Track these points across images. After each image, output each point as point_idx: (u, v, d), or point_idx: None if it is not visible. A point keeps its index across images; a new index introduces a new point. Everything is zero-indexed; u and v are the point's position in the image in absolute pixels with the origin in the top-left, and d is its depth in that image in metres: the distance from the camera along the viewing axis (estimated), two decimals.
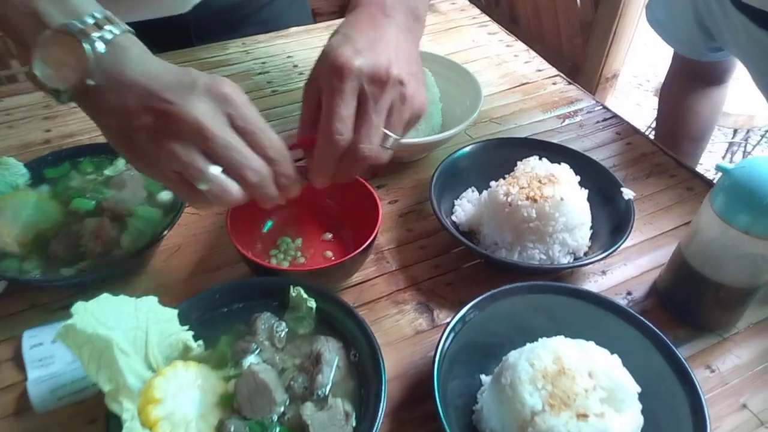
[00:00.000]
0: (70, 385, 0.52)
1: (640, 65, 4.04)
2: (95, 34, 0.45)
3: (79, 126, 0.80)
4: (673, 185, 0.76)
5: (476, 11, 1.17)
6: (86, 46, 0.45)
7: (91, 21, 0.46)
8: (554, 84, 0.96)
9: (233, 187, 0.47)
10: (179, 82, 0.46)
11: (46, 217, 0.59)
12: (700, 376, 0.55)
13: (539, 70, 0.99)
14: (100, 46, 0.45)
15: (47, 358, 0.54)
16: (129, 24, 0.81)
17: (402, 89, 0.52)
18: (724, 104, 1.16)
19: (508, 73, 0.98)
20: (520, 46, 1.06)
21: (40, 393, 0.51)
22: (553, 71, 0.99)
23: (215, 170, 0.46)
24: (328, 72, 0.50)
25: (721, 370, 0.56)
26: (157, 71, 0.47)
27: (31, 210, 0.59)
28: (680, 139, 1.15)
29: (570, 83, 0.96)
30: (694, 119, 1.13)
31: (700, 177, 0.77)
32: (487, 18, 1.15)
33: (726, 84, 1.13)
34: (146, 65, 0.47)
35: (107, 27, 0.46)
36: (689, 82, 1.12)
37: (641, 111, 3.53)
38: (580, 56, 1.84)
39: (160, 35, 0.93)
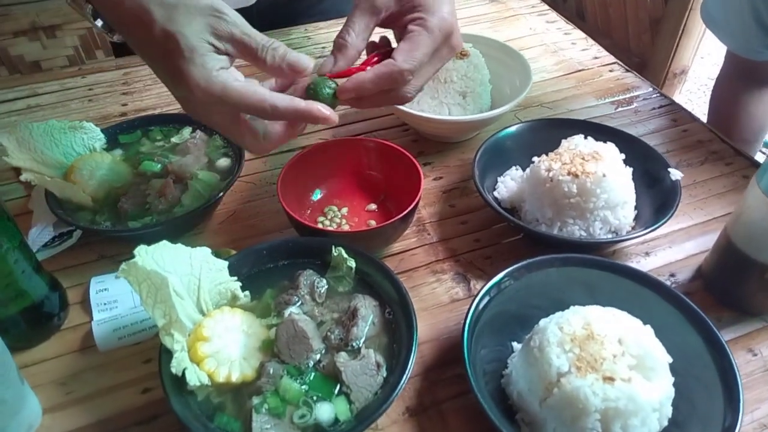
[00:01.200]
0: (130, 327, 0.57)
1: (716, 66, 3.82)
2: None
3: (153, 101, 0.87)
4: (729, 173, 0.74)
5: (535, 0, 1.17)
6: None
7: None
8: (611, 71, 0.94)
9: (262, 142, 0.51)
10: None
11: (118, 177, 0.65)
12: (741, 359, 0.53)
13: (596, 58, 0.98)
14: None
15: (111, 302, 0.59)
16: None
17: (454, 49, 0.56)
18: None
19: (563, 60, 0.98)
20: (579, 34, 1.05)
21: (103, 332, 0.57)
22: (611, 59, 0.98)
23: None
24: (440, 23, 0.53)
25: (764, 354, 0.54)
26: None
27: (105, 170, 0.65)
28: (732, 140, 1.11)
29: (628, 71, 0.95)
30: (747, 120, 1.08)
31: (758, 165, 0.74)
32: (546, 7, 1.14)
33: None
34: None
35: None
36: (743, 83, 1.07)
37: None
38: (647, 52, 1.78)
39: None
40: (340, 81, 0.53)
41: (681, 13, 1.56)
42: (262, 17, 1.02)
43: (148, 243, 0.48)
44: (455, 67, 0.75)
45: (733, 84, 1.10)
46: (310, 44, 1.02)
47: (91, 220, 0.62)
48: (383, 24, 0.56)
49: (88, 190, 0.62)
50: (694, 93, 3.59)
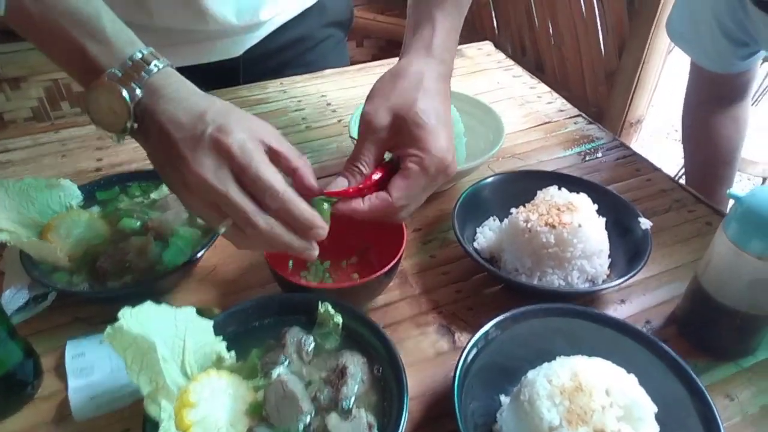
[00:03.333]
0: (108, 394, 0.55)
1: (667, 114, 4.05)
2: (135, 82, 0.50)
3: (128, 156, 0.86)
4: (692, 219, 0.77)
5: (501, 56, 1.23)
6: (125, 94, 0.50)
7: (130, 64, 0.51)
8: (576, 123, 0.99)
9: (243, 239, 0.52)
10: (192, 132, 0.49)
11: (96, 235, 0.64)
12: (719, 404, 0.55)
13: (561, 110, 1.03)
14: (138, 91, 0.50)
15: (87, 368, 0.57)
16: (186, 68, 0.89)
17: (447, 172, 0.59)
18: (748, 123, 1.13)
19: (530, 113, 1.02)
20: (543, 87, 1.11)
21: (79, 400, 0.54)
22: (575, 111, 1.03)
23: (227, 222, 0.51)
24: (437, 163, 0.56)
25: (741, 399, 0.56)
26: (177, 115, 0.50)
27: (82, 228, 0.64)
28: (713, 164, 1.14)
29: (591, 122, 0.99)
30: (721, 142, 1.11)
31: (719, 212, 0.78)
32: (511, 62, 1.20)
33: (747, 100, 1.11)
34: (174, 104, 0.51)
35: (147, 66, 0.51)
36: (712, 104, 1.10)
37: (669, 159, 3.53)
38: (604, 103, 1.88)
39: (212, 76, 1.00)
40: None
41: (634, 67, 1.66)
42: (247, 69, 1.05)
43: (127, 303, 0.47)
44: None
45: (703, 107, 1.12)
46: (286, 98, 1.04)
47: (68, 281, 0.60)
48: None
49: (65, 249, 0.61)
50: (651, 138, 3.77)
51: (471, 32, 2.61)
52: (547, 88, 1.10)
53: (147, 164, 0.84)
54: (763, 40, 0.91)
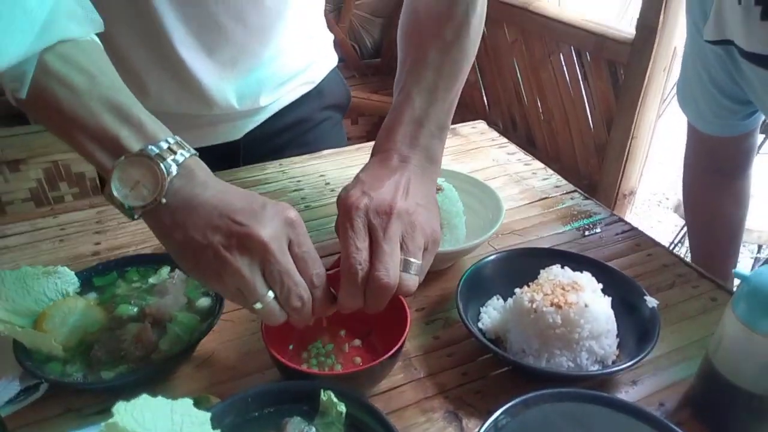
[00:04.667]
0: None
1: (659, 183, 4.14)
2: (170, 158, 0.52)
3: (126, 239, 0.86)
4: (697, 295, 0.77)
5: (495, 134, 1.26)
6: (163, 167, 0.51)
7: (165, 146, 0.53)
8: (572, 199, 1.00)
9: (280, 315, 0.54)
10: (249, 205, 0.52)
11: (92, 322, 0.63)
12: None
13: (557, 186, 1.04)
14: (173, 168, 0.52)
15: None
16: None
17: (411, 218, 0.58)
18: (749, 197, 1.11)
19: (527, 189, 1.03)
20: (538, 164, 1.13)
21: None
22: (570, 187, 1.04)
23: (270, 296, 0.52)
24: (342, 214, 0.59)
25: None
26: (225, 195, 0.53)
27: (78, 316, 0.62)
28: (715, 239, 1.13)
29: (587, 198, 1.01)
30: (725, 222, 1.10)
31: (723, 288, 0.78)
32: (505, 140, 1.23)
33: (748, 172, 1.08)
34: (214, 187, 0.54)
35: (179, 151, 0.53)
36: (711, 176, 1.08)
37: (663, 227, 3.57)
38: (596, 175, 1.92)
39: (212, 158, 1.02)
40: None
41: (623, 141, 1.71)
42: (247, 151, 1.07)
43: (122, 393, 0.45)
44: None
45: (702, 180, 1.10)
46: (285, 178, 1.05)
47: (62, 371, 0.58)
48: None
49: (59, 338, 0.59)
50: (644, 205, 3.81)
51: (462, 108, 2.70)
52: (542, 165, 1.13)
53: (145, 248, 0.84)
54: (757, 97, 0.88)
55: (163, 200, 0.52)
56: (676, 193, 2.75)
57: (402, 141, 0.65)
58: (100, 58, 0.56)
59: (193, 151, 0.55)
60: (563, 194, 1.02)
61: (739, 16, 0.76)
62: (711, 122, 1.02)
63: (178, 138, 0.55)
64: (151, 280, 0.69)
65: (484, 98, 2.56)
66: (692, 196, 1.17)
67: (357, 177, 0.63)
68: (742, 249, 1.62)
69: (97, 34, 0.63)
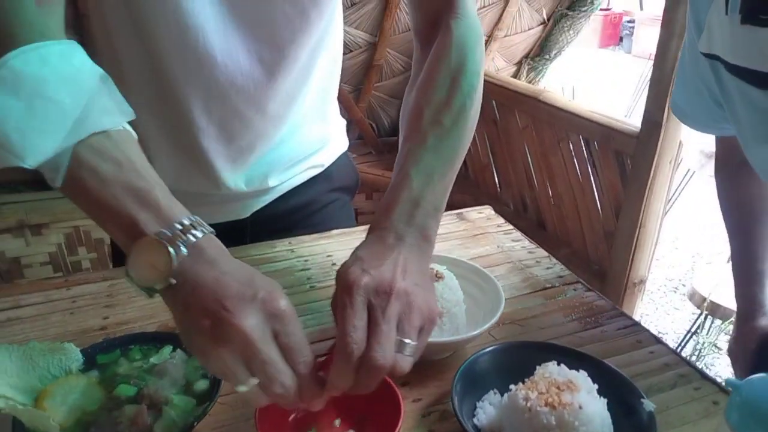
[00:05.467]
0: None
1: (674, 268, 4.10)
2: (181, 239, 0.55)
3: (134, 314, 0.88)
4: (699, 398, 0.75)
5: (501, 220, 1.28)
6: (171, 251, 0.54)
7: (179, 227, 0.55)
8: (575, 290, 1.01)
9: (264, 399, 0.55)
10: (240, 292, 0.54)
11: (91, 401, 0.64)
12: None
13: (560, 276, 1.05)
14: (183, 250, 0.54)
15: None
16: None
17: (409, 299, 0.59)
18: None
19: (530, 278, 1.04)
20: (542, 252, 1.14)
21: None
22: (574, 277, 1.05)
23: (252, 381, 0.54)
24: (341, 290, 0.60)
25: None
26: (225, 277, 0.55)
27: (78, 395, 0.64)
28: (760, 238, 1.06)
29: (590, 290, 1.01)
30: (754, 200, 1.06)
31: (725, 391, 0.77)
32: (511, 227, 1.25)
33: None
34: (219, 268, 0.55)
35: (193, 231, 0.56)
36: (736, 163, 1.05)
37: (680, 314, 3.50)
38: (605, 262, 1.92)
39: (219, 235, 1.05)
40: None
41: (632, 230, 1.72)
42: (254, 229, 1.10)
43: None
44: None
45: (729, 167, 1.07)
46: (294, 257, 1.08)
47: None
48: None
49: (58, 417, 0.60)
50: (660, 291, 3.76)
51: (473, 189, 2.76)
52: (545, 253, 1.14)
53: (151, 323, 0.86)
54: (736, 119, 0.84)
55: (172, 281, 0.54)
56: (690, 279, 2.73)
57: (399, 219, 0.67)
58: (129, 147, 0.60)
59: (209, 230, 0.58)
60: (566, 284, 1.03)
61: (726, 27, 0.74)
62: (710, 126, 1.01)
63: (195, 218, 0.58)
64: (152, 360, 0.70)
65: (496, 179, 2.61)
66: (719, 178, 1.13)
67: (355, 253, 0.64)
68: None
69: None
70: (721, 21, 0.74)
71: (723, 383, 0.65)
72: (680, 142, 1.59)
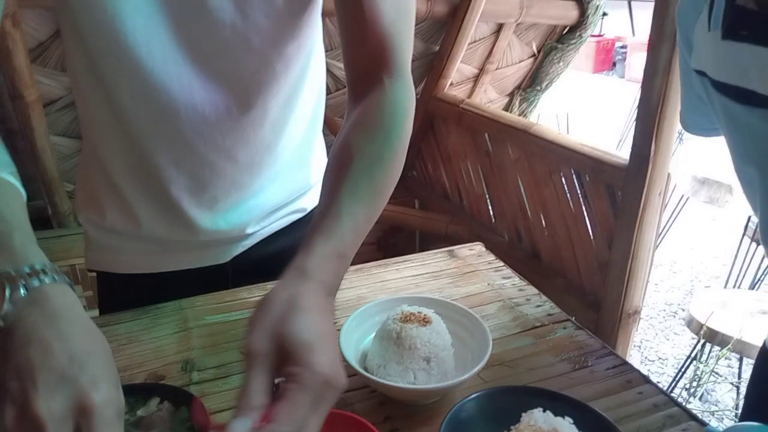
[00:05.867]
0: None
1: (673, 293, 4.09)
2: (23, 282, 0.51)
3: (123, 362, 0.88)
4: None
5: (492, 257, 1.29)
6: (7, 290, 0.50)
7: (27, 270, 0.51)
8: (564, 329, 1.01)
9: None
10: (59, 369, 0.47)
11: None
12: None
13: (550, 314, 1.06)
14: (22, 292, 0.50)
15: None
16: (171, 272, 0.95)
17: (335, 392, 0.54)
18: None
19: (519, 317, 1.05)
20: (532, 290, 1.15)
21: None
22: (563, 315, 1.06)
23: None
24: (319, 379, 0.52)
25: None
26: (54, 344, 0.49)
27: None
28: None
29: (579, 328, 1.02)
30: None
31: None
32: (501, 264, 1.26)
33: None
34: (56, 328, 0.50)
35: (41, 276, 0.52)
36: None
37: (680, 339, 3.48)
38: (600, 292, 1.92)
39: (200, 280, 1.06)
40: None
41: (624, 260, 1.73)
42: (235, 273, 1.10)
43: None
44: (418, 334, 0.81)
45: None
46: None
47: None
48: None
49: None
50: (660, 316, 3.74)
51: (469, 219, 2.77)
52: (536, 290, 1.15)
53: (139, 374, 0.86)
54: (724, 133, 0.83)
55: (1, 323, 0.50)
56: (689, 304, 2.72)
57: (319, 278, 0.63)
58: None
59: (63, 280, 0.54)
60: (556, 323, 1.03)
61: (709, 43, 0.74)
62: (714, 130, 0.98)
63: (52, 265, 0.54)
64: (139, 413, 0.70)
65: (491, 210, 2.63)
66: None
67: (314, 329, 0.56)
68: None
69: (96, 165, 0.70)
70: (705, 38, 0.75)
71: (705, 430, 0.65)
72: (669, 175, 1.61)
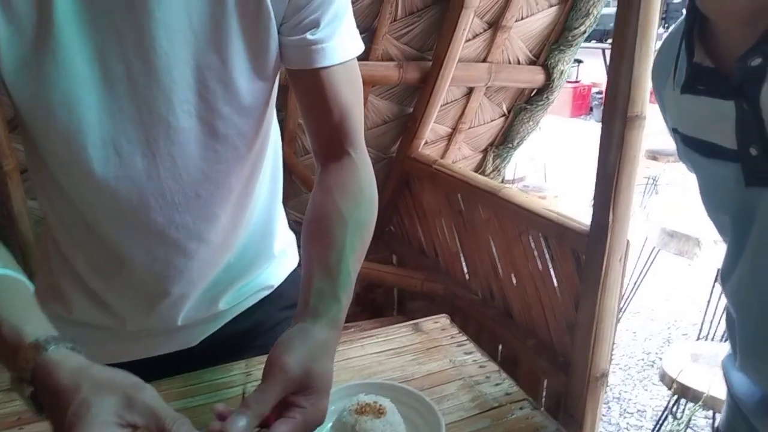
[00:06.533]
0: None
1: (650, 341, 4.12)
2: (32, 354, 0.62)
3: None
4: None
5: (455, 330, 1.33)
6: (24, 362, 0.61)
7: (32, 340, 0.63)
8: (521, 409, 1.04)
9: None
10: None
11: None
12: None
13: (508, 394, 1.09)
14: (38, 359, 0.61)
15: None
16: (141, 360, 1.00)
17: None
18: None
19: (478, 397, 1.08)
20: (493, 366, 1.18)
21: None
22: (522, 395, 1.09)
23: None
24: (316, 420, 0.71)
25: None
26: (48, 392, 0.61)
27: None
28: None
29: (535, 408, 1.05)
30: None
31: None
32: (465, 338, 1.30)
33: None
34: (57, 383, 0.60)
35: (48, 345, 0.62)
36: None
37: (658, 390, 3.50)
38: (570, 353, 1.96)
39: (171, 364, 1.07)
40: None
41: (589, 324, 1.78)
42: (205, 353, 1.12)
43: None
44: (372, 427, 0.83)
45: None
46: (251, 380, 1.09)
47: None
48: None
49: None
50: (637, 369, 3.77)
51: (444, 276, 2.81)
52: (496, 367, 1.18)
53: None
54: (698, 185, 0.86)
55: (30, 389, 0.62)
56: (662, 360, 2.76)
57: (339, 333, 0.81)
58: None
59: (69, 344, 0.65)
60: (513, 402, 1.06)
61: (676, 99, 0.78)
62: None
63: (53, 334, 0.65)
64: None
65: (465, 268, 2.68)
66: None
67: (329, 375, 0.76)
68: None
69: (59, 259, 0.79)
70: (673, 95, 0.79)
71: None
72: (627, 242, 1.68)
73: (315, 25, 0.84)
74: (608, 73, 1.57)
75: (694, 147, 0.77)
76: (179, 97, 0.82)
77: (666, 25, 7.54)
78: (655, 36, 1.46)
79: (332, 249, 0.82)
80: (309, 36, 0.84)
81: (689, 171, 0.86)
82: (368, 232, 0.87)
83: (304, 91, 0.91)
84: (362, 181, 0.90)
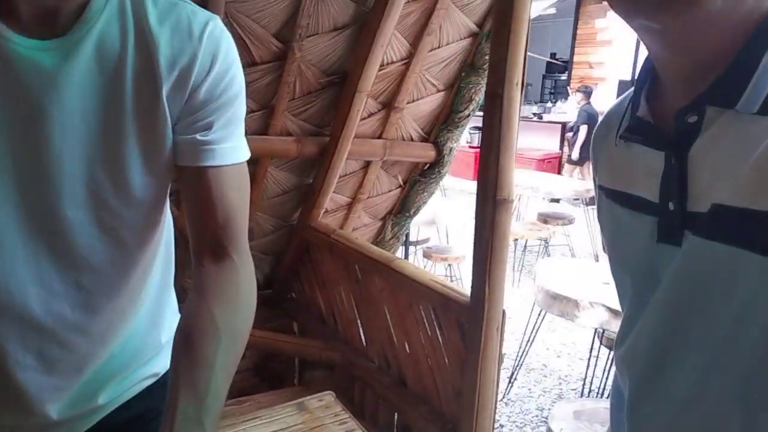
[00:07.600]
0: None
1: (544, 397, 4.32)
2: None
3: None
4: None
5: (339, 407, 1.37)
6: None
7: None
8: None
9: None
10: None
11: None
12: None
13: None
14: None
15: None
16: None
17: None
18: None
19: None
20: None
21: None
22: None
23: None
24: None
25: None
26: None
27: None
28: None
29: None
30: None
31: None
32: (347, 415, 1.34)
33: None
34: None
35: None
36: None
37: None
38: (458, 419, 2.04)
39: None
40: None
41: (472, 393, 1.88)
42: None
43: None
44: None
45: None
46: None
47: None
48: None
49: None
50: (527, 426, 3.93)
51: (343, 345, 2.85)
52: None
53: None
54: (606, 244, 0.87)
55: None
56: (547, 419, 2.92)
57: None
58: None
59: None
60: None
61: (609, 154, 0.80)
62: None
63: None
64: None
65: (362, 336, 2.73)
66: None
67: None
68: None
69: None
70: (607, 150, 0.80)
71: None
72: (504, 312, 1.82)
73: (208, 127, 0.89)
74: (479, 163, 1.75)
75: (619, 201, 0.78)
76: (67, 189, 0.83)
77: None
78: (516, 132, 1.66)
79: (202, 368, 0.82)
80: (199, 137, 0.89)
81: (601, 233, 0.88)
82: (242, 341, 0.89)
83: (191, 190, 0.93)
84: (241, 285, 0.91)
